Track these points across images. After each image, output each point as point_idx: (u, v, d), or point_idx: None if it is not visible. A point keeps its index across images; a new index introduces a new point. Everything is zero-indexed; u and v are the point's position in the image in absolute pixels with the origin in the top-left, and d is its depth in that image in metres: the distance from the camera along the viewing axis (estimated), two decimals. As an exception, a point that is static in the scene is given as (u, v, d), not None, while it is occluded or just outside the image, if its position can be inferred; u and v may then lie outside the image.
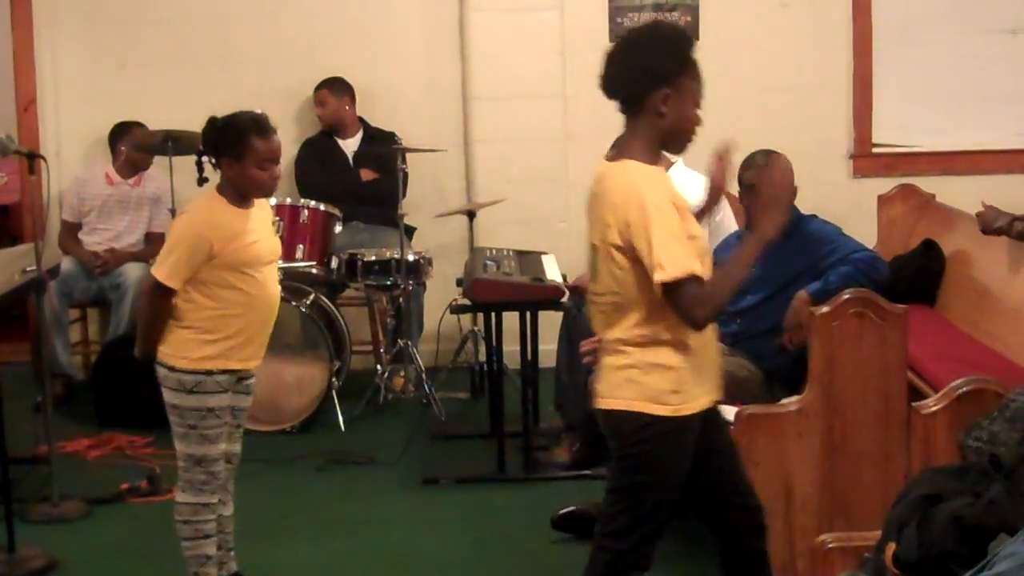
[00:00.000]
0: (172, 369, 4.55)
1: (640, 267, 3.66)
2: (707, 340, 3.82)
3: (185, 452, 4.61)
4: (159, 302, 4.55)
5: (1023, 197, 6.66)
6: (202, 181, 4.88)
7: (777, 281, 5.41)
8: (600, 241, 3.75)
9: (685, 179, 6.33)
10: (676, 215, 3.65)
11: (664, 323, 3.72)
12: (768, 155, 5.53)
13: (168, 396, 4.59)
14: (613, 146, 3.84)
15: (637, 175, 3.69)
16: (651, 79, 3.73)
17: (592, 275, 3.86)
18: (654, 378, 3.73)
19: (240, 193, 4.63)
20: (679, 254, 3.58)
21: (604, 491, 3.92)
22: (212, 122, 4.67)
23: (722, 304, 3.70)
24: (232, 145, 4.57)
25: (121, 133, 7.78)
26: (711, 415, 3.88)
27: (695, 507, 3.98)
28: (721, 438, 3.96)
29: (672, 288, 3.57)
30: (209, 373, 4.55)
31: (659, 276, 3.56)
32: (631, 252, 3.66)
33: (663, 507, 3.81)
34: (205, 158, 4.74)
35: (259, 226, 4.69)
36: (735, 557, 3.98)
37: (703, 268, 3.66)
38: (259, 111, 4.70)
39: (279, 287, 4.86)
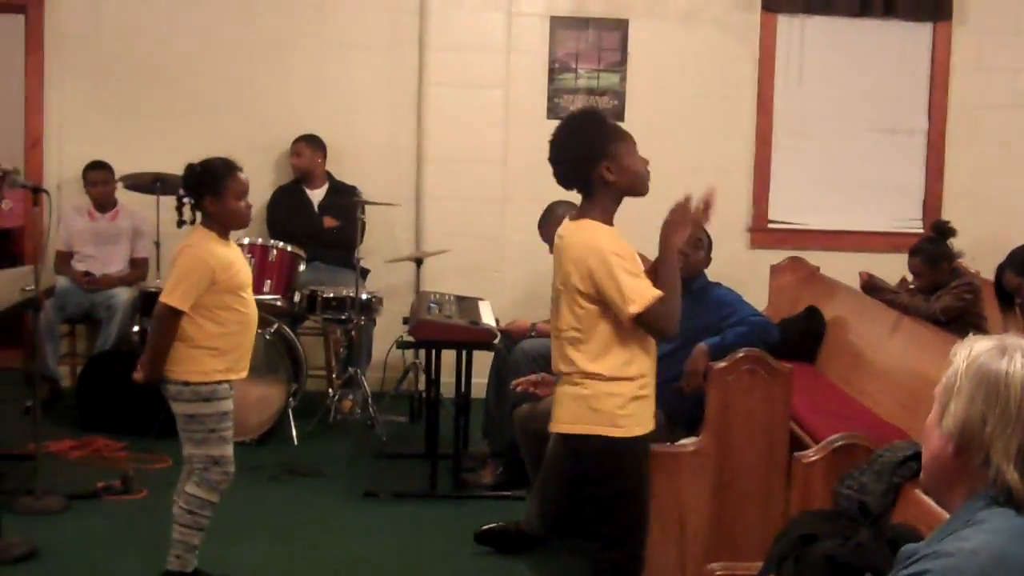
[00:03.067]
0: (187, 384, 4.52)
1: (597, 306, 3.75)
2: (649, 372, 3.87)
3: (204, 455, 4.57)
4: (171, 324, 4.50)
5: (895, 273, 6.71)
6: (181, 223, 4.78)
7: (683, 336, 5.37)
8: (563, 285, 3.81)
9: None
10: (628, 259, 3.74)
11: (614, 357, 3.78)
12: None
13: (185, 408, 4.54)
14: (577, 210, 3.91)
15: (594, 232, 3.77)
16: (589, 161, 3.78)
17: (555, 314, 3.90)
18: (608, 404, 3.78)
19: (223, 227, 4.61)
20: (641, 287, 3.70)
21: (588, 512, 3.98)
22: (191, 167, 4.66)
23: (678, 312, 3.77)
24: (212, 184, 4.56)
25: (87, 173, 7.72)
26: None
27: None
28: None
29: (644, 314, 3.67)
30: (219, 383, 4.55)
31: (633, 309, 3.66)
32: (594, 295, 3.73)
33: (643, 516, 3.92)
34: (186, 200, 4.69)
35: (239, 256, 4.70)
36: None
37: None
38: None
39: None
